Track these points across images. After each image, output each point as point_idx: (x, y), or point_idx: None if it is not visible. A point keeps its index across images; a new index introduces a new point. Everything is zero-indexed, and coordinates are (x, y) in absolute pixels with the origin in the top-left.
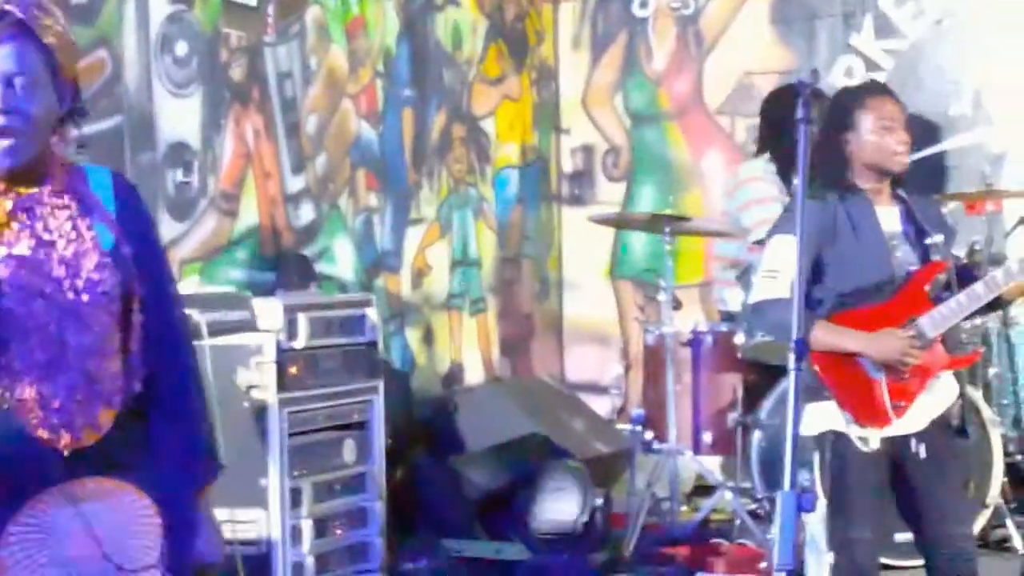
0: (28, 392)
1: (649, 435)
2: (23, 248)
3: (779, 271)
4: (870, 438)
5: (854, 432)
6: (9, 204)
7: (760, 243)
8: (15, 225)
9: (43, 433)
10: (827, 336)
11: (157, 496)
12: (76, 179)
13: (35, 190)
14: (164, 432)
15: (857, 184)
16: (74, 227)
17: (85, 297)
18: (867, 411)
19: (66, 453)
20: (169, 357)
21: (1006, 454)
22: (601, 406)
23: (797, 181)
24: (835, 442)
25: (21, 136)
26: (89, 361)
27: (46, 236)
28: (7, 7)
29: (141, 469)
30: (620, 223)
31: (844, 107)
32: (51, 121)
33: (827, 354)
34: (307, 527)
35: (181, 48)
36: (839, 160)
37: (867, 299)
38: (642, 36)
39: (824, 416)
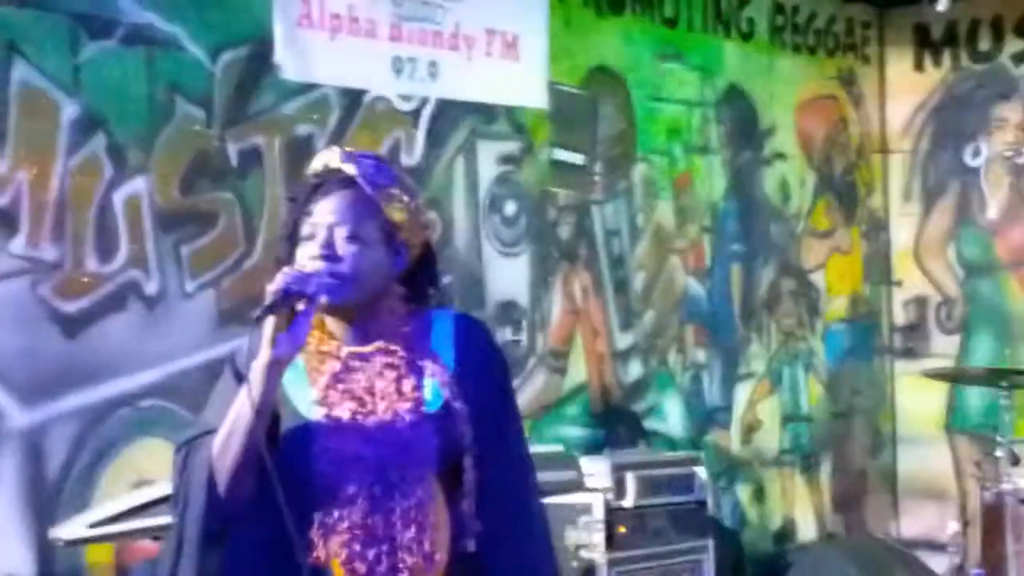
0: (339, 554)
1: None
2: (343, 411)
3: None
4: None
5: None
6: (337, 366)
7: None
8: (340, 387)
9: None
10: None
11: None
12: (417, 331)
13: (366, 349)
14: None
15: None
16: (398, 388)
17: (399, 462)
18: None
19: None
20: (511, 514)
21: None
22: (938, 564)
23: None
24: None
25: (340, 280)
26: (400, 526)
27: (367, 399)
28: (339, 165)
29: None
30: (956, 377)
31: None
32: (381, 274)
33: None
34: None
35: (509, 208)
36: None
37: None
38: (975, 185)
39: None
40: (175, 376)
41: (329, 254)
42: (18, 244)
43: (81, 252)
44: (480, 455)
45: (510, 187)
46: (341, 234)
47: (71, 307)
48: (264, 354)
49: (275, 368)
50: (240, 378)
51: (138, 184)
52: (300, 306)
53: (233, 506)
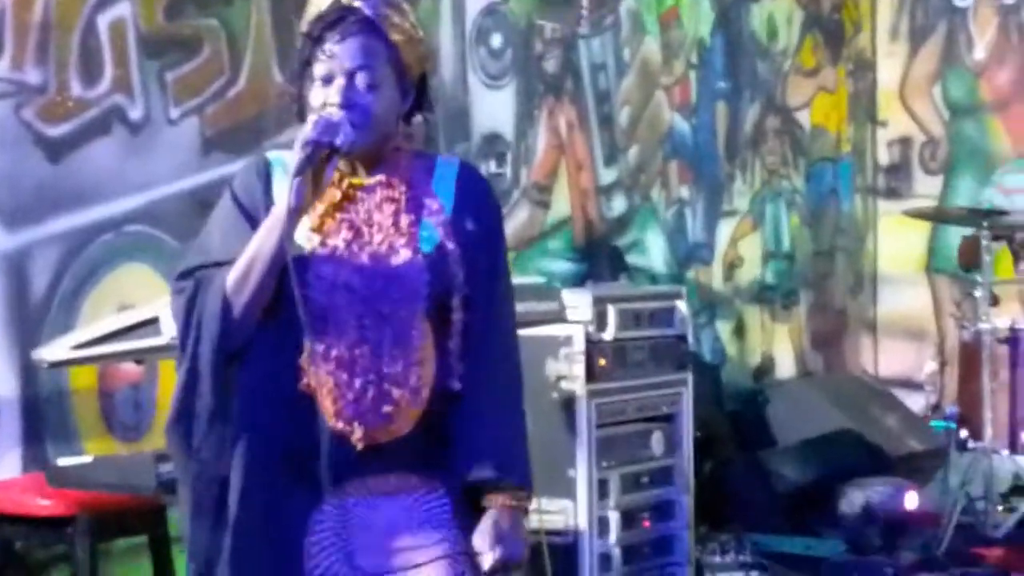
0: (326, 382)
1: (964, 433)
2: (338, 240)
3: None
4: None
5: None
6: (337, 195)
7: None
8: (338, 216)
9: (337, 424)
10: None
11: (457, 493)
12: (419, 172)
13: (368, 181)
14: (478, 431)
15: None
16: (395, 222)
17: (389, 294)
18: None
19: (359, 447)
20: (492, 359)
21: None
22: (915, 403)
23: None
24: None
25: (358, 129)
26: (388, 359)
27: (364, 229)
28: (356, 3)
29: (445, 467)
30: (937, 217)
31: None
32: (392, 116)
33: None
34: (614, 518)
35: (496, 40)
36: None
37: None
38: (962, 27)
39: None
40: (159, 202)
41: (350, 101)
42: (2, 67)
43: (65, 76)
44: (468, 297)
45: (497, 19)
46: (361, 80)
47: (55, 131)
48: (292, 200)
49: (297, 215)
50: (243, 210)
51: (123, 8)
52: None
53: (245, 336)
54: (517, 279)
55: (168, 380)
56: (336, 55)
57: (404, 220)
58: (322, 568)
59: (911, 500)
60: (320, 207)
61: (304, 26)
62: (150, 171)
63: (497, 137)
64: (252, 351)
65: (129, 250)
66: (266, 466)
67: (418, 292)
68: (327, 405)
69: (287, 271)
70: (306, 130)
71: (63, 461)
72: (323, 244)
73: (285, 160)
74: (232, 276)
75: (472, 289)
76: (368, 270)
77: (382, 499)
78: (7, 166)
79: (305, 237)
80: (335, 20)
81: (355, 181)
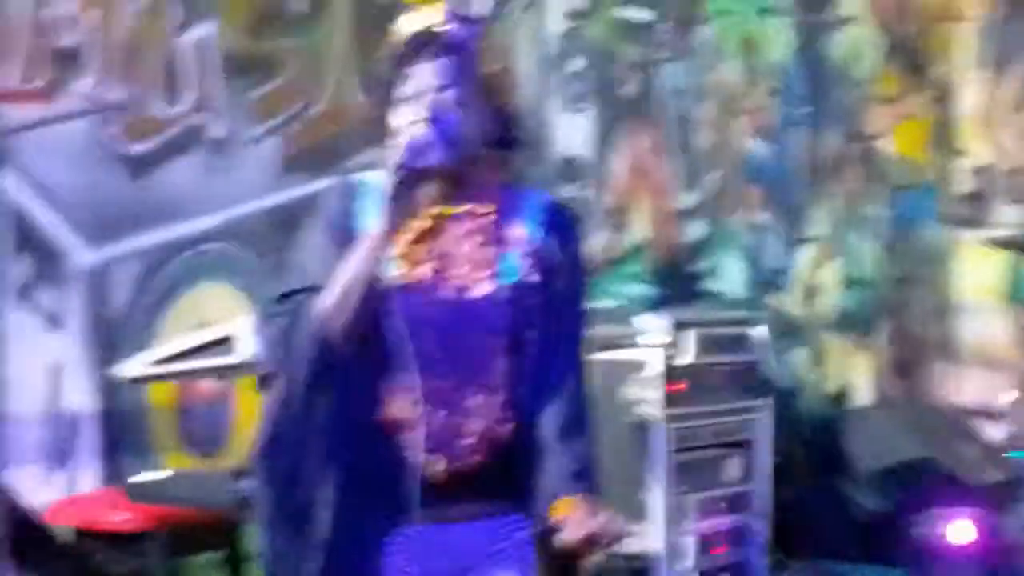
0: (409, 413)
1: None
2: (424, 271)
3: None
4: None
5: None
6: (426, 224)
7: None
8: (425, 246)
9: (418, 456)
10: None
11: (532, 522)
12: (507, 202)
13: (456, 210)
14: (547, 464)
15: None
16: (479, 254)
17: (470, 327)
18: None
19: (440, 479)
20: (565, 387)
21: None
22: (994, 433)
23: None
24: None
25: (446, 145)
26: (469, 392)
27: (449, 261)
28: (446, 27)
29: (523, 495)
30: (1020, 246)
31: None
32: (479, 139)
33: None
34: (690, 543)
35: (576, 64)
36: None
37: None
38: None
39: None
40: (238, 221)
41: (436, 117)
42: (85, 84)
43: (148, 95)
44: (543, 335)
45: (577, 43)
46: (449, 97)
47: (137, 149)
48: (385, 225)
49: (389, 241)
50: (336, 234)
51: (206, 28)
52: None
53: (339, 362)
54: (593, 303)
55: (245, 397)
56: (423, 73)
57: (488, 252)
58: None
59: (966, 531)
60: (408, 235)
61: (392, 48)
62: (230, 190)
63: (576, 161)
64: (341, 379)
65: (208, 268)
66: (351, 493)
67: (497, 325)
68: (408, 436)
69: (376, 299)
70: (398, 154)
71: (141, 476)
72: (409, 275)
73: (373, 183)
74: (327, 302)
75: (548, 317)
76: (451, 303)
77: (461, 526)
78: (89, 183)
79: (392, 266)
80: (424, 43)
81: (444, 211)
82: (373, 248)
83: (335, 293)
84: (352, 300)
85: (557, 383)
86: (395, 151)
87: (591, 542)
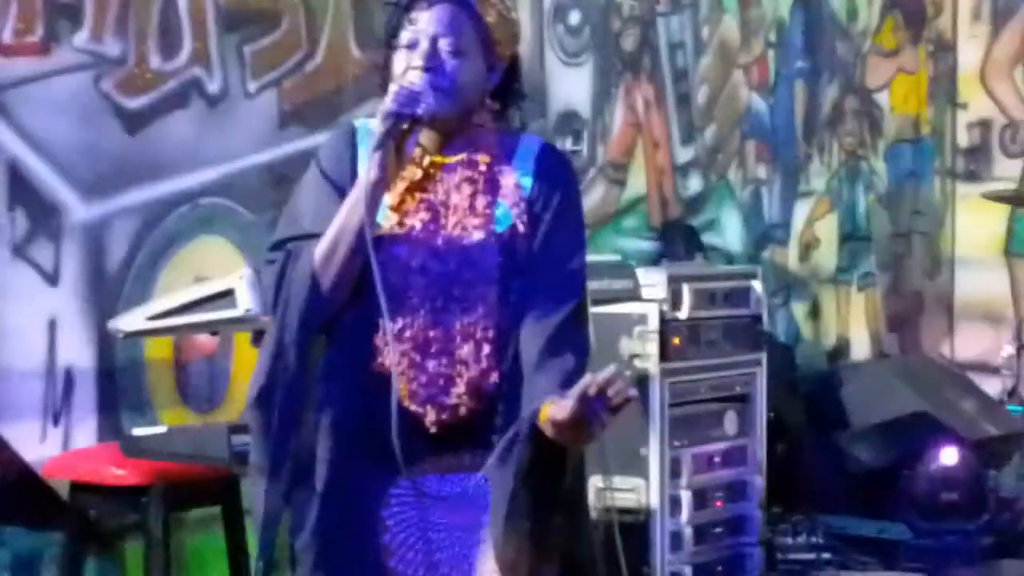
0: (400, 362)
1: None
2: (415, 220)
3: None
4: None
5: None
6: (418, 173)
7: None
8: (417, 195)
9: (411, 405)
10: None
11: None
12: (501, 150)
13: (449, 160)
14: (531, 381)
15: None
16: (471, 204)
17: (462, 276)
18: None
19: (432, 429)
20: (562, 335)
21: None
22: (991, 387)
23: None
24: None
25: (440, 94)
26: (460, 341)
27: (441, 210)
28: None
29: None
30: (1017, 200)
31: None
32: (476, 89)
33: None
34: (686, 498)
35: (574, 17)
36: None
37: None
38: None
39: None
40: (235, 175)
41: (432, 66)
42: (81, 38)
43: (144, 48)
44: (536, 281)
45: None
46: (444, 46)
47: (133, 103)
48: (373, 174)
49: (382, 186)
50: (330, 180)
51: None
52: (405, 126)
53: (332, 311)
54: (592, 257)
55: (243, 352)
56: (422, 21)
57: (481, 201)
58: (399, 540)
59: (949, 456)
60: (400, 185)
61: None
62: (227, 144)
63: (574, 115)
64: (333, 329)
65: (205, 223)
66: (346, 442)
67: (489, 274)
68: (401, 386)
69: (368, 249)
70: (387, 102)
71: (137, 431)
72: (401, 224)
73: (372, 128)
74: (319, 250)
75: (541, 274)
76: (442, 252)
77: (456, 476)
78: (85, 138)
79: (384, 215)
80: None
81: (436, 159)
82: (362, 197)
83: (325, 242)
84: (342, 250)
85: (559, 331)
86: (386, 99)
87: (588, 413)
